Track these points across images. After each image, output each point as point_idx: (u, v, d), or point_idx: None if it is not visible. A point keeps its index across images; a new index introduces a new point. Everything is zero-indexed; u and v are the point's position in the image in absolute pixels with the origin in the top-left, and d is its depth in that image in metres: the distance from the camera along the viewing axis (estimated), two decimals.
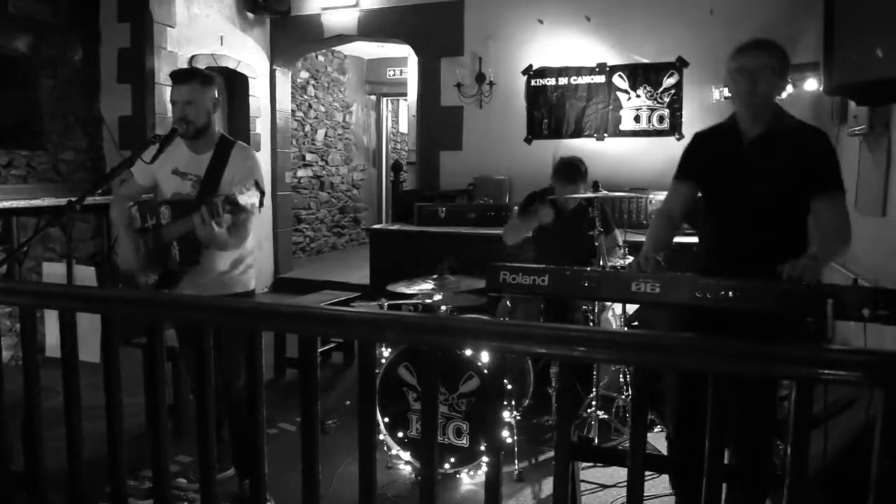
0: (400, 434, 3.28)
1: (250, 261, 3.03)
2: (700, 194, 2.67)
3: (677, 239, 2.77)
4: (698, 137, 2.73)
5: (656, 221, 2.77)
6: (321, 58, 9.67)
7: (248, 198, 2.53)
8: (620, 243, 4.17)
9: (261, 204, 2.56)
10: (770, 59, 2.41)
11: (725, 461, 1.51)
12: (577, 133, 6.34)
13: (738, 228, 2.52)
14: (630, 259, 3.83)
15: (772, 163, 2.44)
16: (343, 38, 7.56)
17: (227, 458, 3.13)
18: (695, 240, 2.75)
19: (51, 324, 2.55)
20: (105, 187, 2.75)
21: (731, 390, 1.30)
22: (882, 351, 1.18)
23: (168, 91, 2.92)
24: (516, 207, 5.74)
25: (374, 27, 7.15)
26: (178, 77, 2.84)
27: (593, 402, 3.59)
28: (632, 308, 3.92)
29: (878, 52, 2.39)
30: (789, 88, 4.73)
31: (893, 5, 2.39)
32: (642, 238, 2.88)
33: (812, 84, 4.58)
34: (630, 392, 3.80)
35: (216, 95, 2.89)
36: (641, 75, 6.16)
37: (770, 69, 2.40)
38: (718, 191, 2.61)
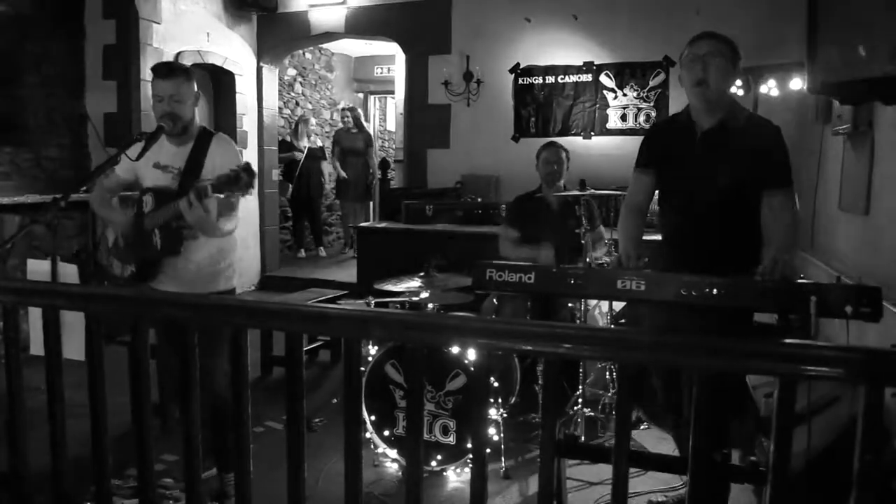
0: (386, 432, 3.27)
1: (233, 258, 3.01)
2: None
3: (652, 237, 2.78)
4: (655, 129, 2.74)
5: (626, 216, 2.72)
6: (308, 55, 9.64)
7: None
8: (606, 239, 4.20)
9: (252, 186, 2.57)
10: (721, 46, 2.42)
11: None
12: (565, 131, 6.35)
13: (692, 224, 2.53)
14: (615, 255, 3.85)
15: (723, 157, 2.44)
16: (330, 36, 7.54)
17: (210, 458, 3.11)
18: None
19: (35, 321, 2.52)
20: (90, 185, 2.73)
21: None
22: (864, 347, 1.19)
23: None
24: (503, 205, 5.77)
25: (362, 25, 7.14)
26: (161, 72, 2.80)
27: (580, 400, 3.61)
28: (618, 305, 3.94)
29: (860, 50, 2.40)
30: (774, 89, 4.77)
31: (875, 4, 2.40)
32: None
33: (797, 84, 4.61)
34: (616, 389, 3.82)
35: (196, 89, 2.89)
36: (628, 74, 6.18)
37: (721, 55, 2.40)
38: (672, 186, 2.62)
